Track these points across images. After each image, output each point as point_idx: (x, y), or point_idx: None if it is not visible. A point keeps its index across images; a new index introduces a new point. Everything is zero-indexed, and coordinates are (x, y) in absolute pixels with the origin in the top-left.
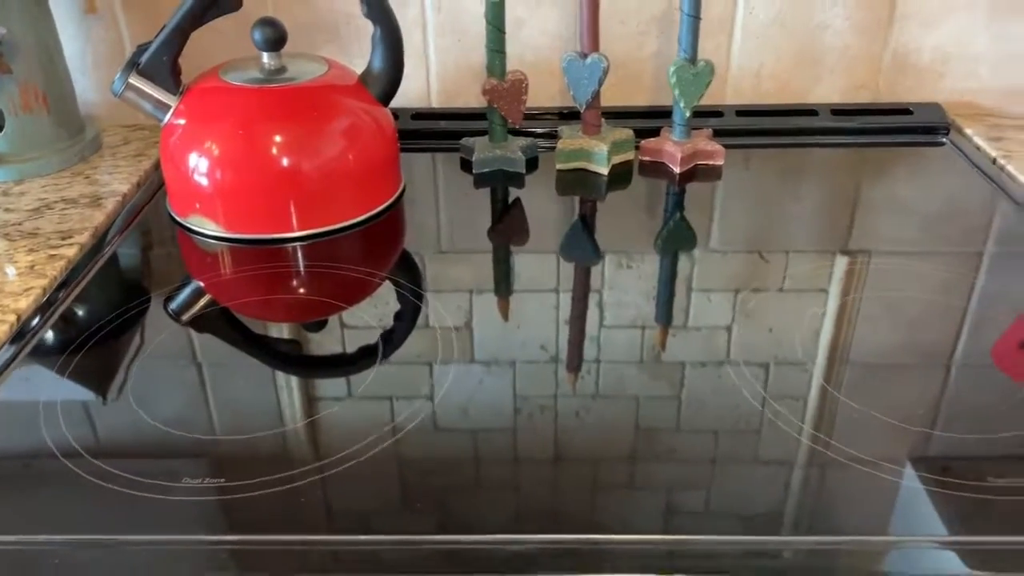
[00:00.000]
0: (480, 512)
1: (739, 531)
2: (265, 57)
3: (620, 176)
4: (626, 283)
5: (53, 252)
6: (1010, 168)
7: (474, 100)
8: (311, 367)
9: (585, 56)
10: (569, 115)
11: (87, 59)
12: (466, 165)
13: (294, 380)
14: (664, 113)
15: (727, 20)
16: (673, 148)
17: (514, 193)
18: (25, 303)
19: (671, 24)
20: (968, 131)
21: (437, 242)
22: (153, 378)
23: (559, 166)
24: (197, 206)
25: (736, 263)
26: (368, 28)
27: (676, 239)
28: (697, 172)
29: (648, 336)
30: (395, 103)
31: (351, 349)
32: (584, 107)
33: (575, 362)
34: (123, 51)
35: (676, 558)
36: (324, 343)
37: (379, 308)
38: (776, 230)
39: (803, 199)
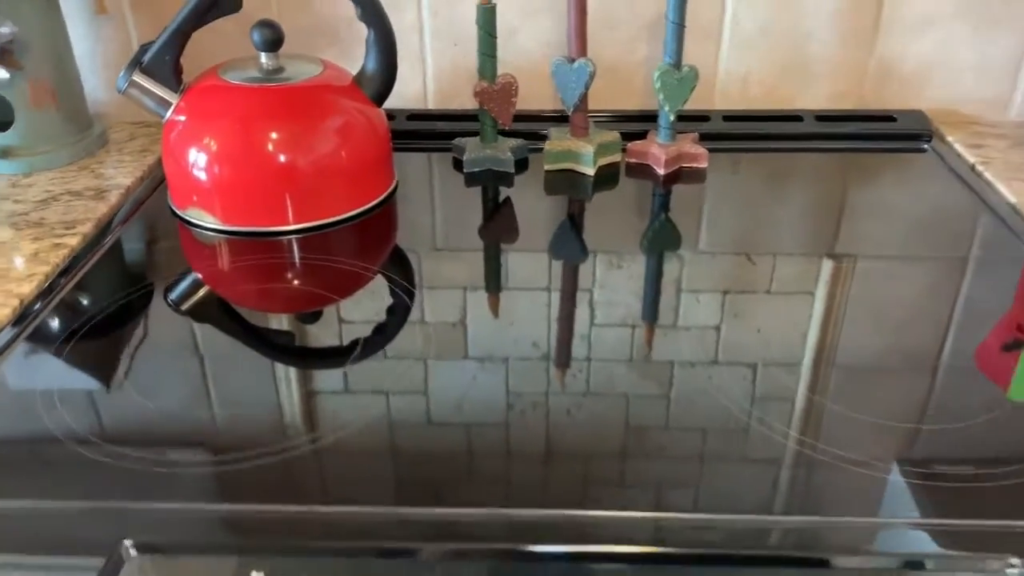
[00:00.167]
0: (470, 492)
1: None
2: (263, 57)
3: (607, 177)
4: (616, 283)
5: (57, 241)
6: (987, 175)
7: (469, 102)
8: (306, 358)
9: (573, 61)
10: (559, 118)
11: (97, 58)
12: (459, 165)
13: (291, 372)
14: (654, 117)
15: (715, 28)
16: (658, 151)
17: (504, 192)
18: (28, 288)
19: (661, 31)
20: (950, 138)
21: (429, 239)
22: (148, 363)
23: (547, 167)
24: (195, 199)
25: (722, 265)
26: None
27: (660, 239)
28: (681, 174)
29: (638, 335)
30: (392, 104)
31: (346, 342)
32: (572, 110)
33: (564, 360)
34: (132, 51)
35: (664, 532)
36: (320, 336)
37: (373, 303)
38: (760, 233)
39: (787, 203)
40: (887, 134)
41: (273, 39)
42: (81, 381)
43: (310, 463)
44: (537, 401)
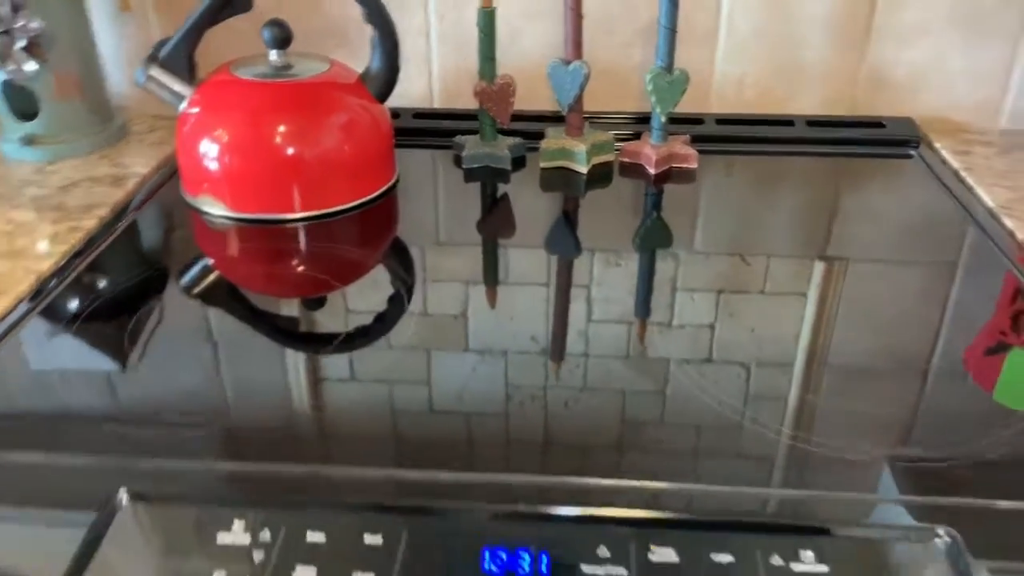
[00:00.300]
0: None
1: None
2: (273, 54)
3: (601, 176)
4: (613, 280)
5: (75, 224)
6: (970, 180)
7: (472, 102)
8: (310, 344)
9: (568, 63)
10: (557, 118)
11: (120, 54)
12: (459, 161)
13: (296, 354)
14: (649, 119)
15: (711, 33)
16: (650, 151)
17: (501, 189)
18: (46, 265)
19: (655, 35)
20: (937, 145)
21: (428, 231)
22: (156, 338)
23: (543, 164)
24: (206, 187)
25: (716, 265)
26: None
27: (651, 236)
28: (672, 174)
29: (635, 332)
30: (399, 103)
31: (352, 332)
32: (567, 110)
33: (562, 355)
34: None
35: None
36: (326, 324)
37: (373, 291)
38: (748, 233)
39: (776, 206)
40: (875, 140)
41: (282, 37)
42: (90, 354)
43: (308, 432)
44: (535, 394)
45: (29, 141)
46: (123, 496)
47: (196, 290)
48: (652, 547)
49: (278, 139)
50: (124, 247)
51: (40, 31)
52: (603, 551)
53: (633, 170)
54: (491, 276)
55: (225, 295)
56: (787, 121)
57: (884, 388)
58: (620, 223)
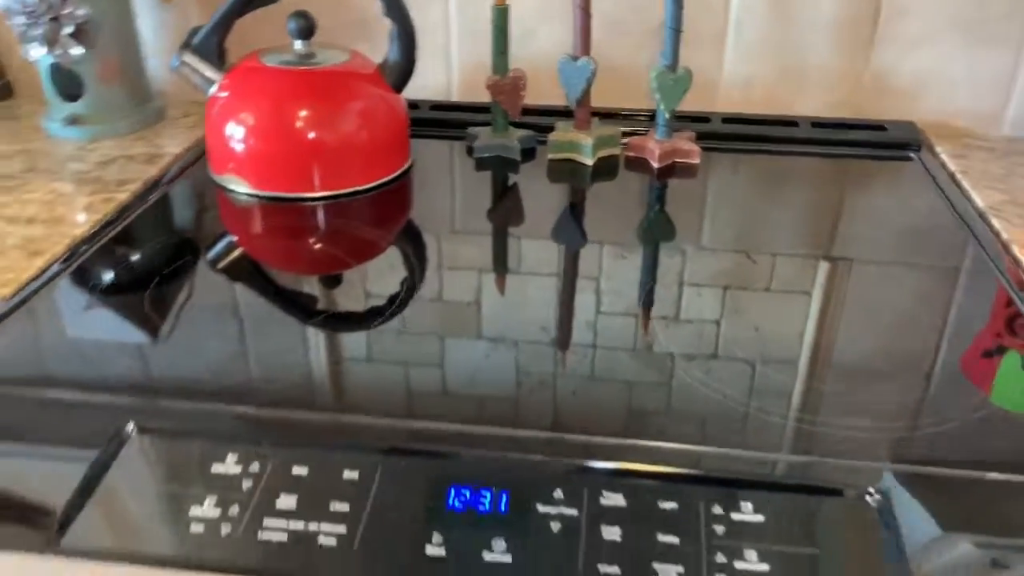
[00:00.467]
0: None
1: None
2: (298, 44)
3: (607, 168)
4: (622, 273)
5: (109, 196)
6: (965, 183)
7: (488, 96)
8: (327, 323)
9: (576, 59)
10: (568, 114)
11: (160, 43)
12: (472, 151)
13: (319, 335)
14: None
15: (720, 37)
16: (653, 146)
17: (511, 179)
18: (80, 231)
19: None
20: (938, 149)
21: (440, 215)
22: (173, 300)
23: (550, 156)
24: (231, 166)
25: (720, 261)
26: None
27: (654, 228)
28: (675, 169)
29: (642, 324)
30: (419, 95)
31: (368, 314)
32: (575, 104)
33: (571, 345)
34: None
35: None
36: (342, 303)
37: (386, 273)
38: (752, 229)
39: (776, 202)
40: (877, 142)
41: (306, 28)
42: (114, 309)
43: (321, 390)
44: (544, 380)
45: (73, 121)
46: (132, 428)
47: (216, 257)
48: (604, 492)
49: (299, 123)
50: (152, 218)
51: (86, 18)
52: (558, 493)
53: (638, 164)
54: (501, 265)
55: (243, 264)
56: (792, 122)
57: (870, 380)
58: (624, 215)
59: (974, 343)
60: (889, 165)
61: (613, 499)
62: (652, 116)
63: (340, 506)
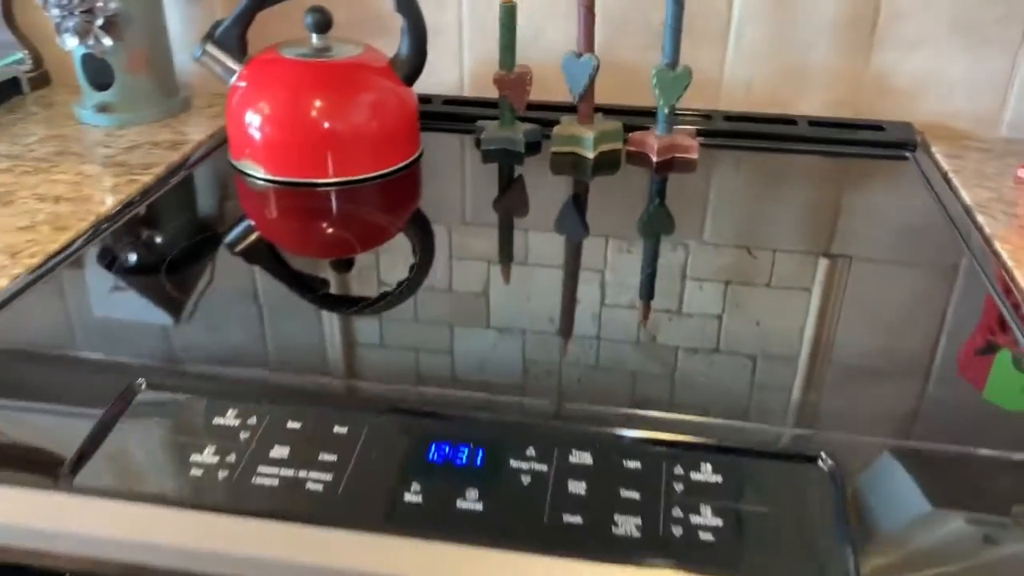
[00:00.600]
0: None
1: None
2: (314, 38)
3: (609, 162)
4: (626, 267)
5: (133, 178)
6: (956, 182)
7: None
8: (337, 304)
9: (580, 55)
10: (573, 109)
11: (187, 36)
12: (480, 144)
13: (332, 317)
14: None
15: (722, 37)
16: (653, 140)
17: (516, 171)
18: (104, 209)
19: None
20: (934, 149)
21: (447, 201)
22: (189, 272)
23: (554, 149)
24: (248, 152)
25: (722, 256)
26: None
27: (652, 221)
28: (674, 163)
29: (641, 316)
30: (432, 90)
31: (379, 300)
32: (578, 99)
33: (577, 335)
34: None
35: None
36: (351, 284)
37: (395, 256)
38: (751, 225)
39: (774, 199)
40: (873, 142)
41: (322, 22)
42: (132, 280)
43: (328, 361)
44: (550, 369)
45: (102, 108)
46: (143, 384)
47: (230, 236)
48: (573, 451)
49: (314, 112)
50: (173, 199)
51: (118, 11)
52: (531, 451)
53: (639, 158)
54: (507, 256)
55: (256, 244)
56: (791, 120)
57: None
58: (623, 207)
59: (968, 342)
60: (886, 164)
61: (582, 457)
62: (655, 113)
63: (329, 456)
